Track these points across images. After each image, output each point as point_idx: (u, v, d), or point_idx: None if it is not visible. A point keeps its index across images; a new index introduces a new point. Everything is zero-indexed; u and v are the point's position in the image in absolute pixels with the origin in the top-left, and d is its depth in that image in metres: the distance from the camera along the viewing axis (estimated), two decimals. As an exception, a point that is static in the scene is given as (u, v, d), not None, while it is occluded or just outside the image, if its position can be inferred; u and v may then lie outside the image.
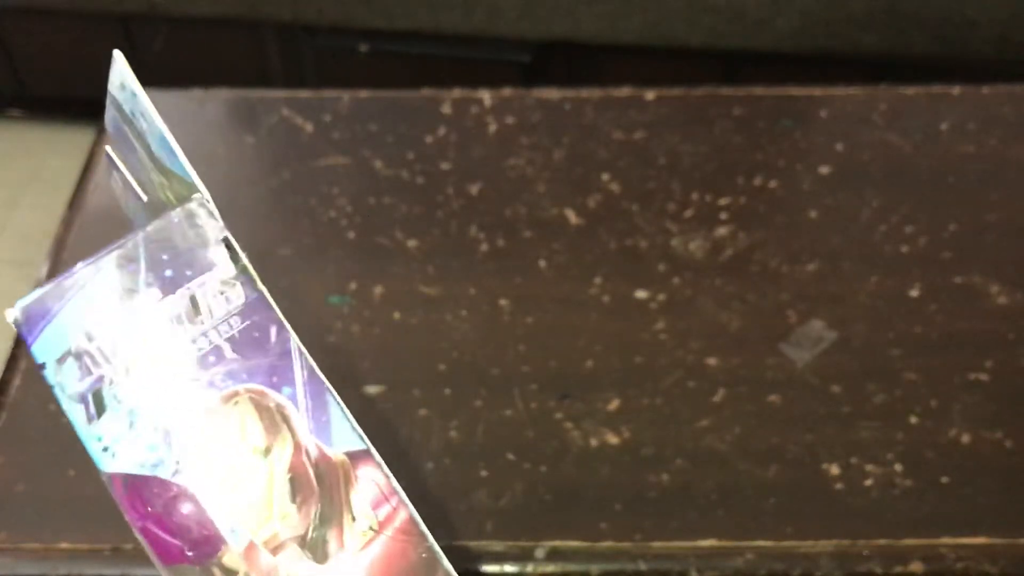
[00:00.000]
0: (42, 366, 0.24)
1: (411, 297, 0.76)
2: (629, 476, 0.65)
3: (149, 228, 0.25)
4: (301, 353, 0.25)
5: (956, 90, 0.90)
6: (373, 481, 0.25)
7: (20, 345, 0.73)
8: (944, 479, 0.65)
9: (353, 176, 0.85)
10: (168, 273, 0.25)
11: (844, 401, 0.69)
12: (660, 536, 0.63)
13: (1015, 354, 0.71)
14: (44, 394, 0.71)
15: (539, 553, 0.62)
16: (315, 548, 0.24)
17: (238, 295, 0.25)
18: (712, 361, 0.71)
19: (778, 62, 1.44)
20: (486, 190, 0.83)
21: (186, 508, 0.24)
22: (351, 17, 1.43)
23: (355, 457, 0.25)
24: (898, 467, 0.66)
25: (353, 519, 0.25)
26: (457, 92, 0.91)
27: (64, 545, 0.63)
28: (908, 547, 0.62)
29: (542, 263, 0.78)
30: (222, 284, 0.25)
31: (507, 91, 0.91)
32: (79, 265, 0.25)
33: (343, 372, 0.72)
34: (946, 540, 0.62)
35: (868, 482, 0.65)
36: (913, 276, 0.76)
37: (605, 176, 0.84)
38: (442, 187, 0.84)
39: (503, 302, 0.75)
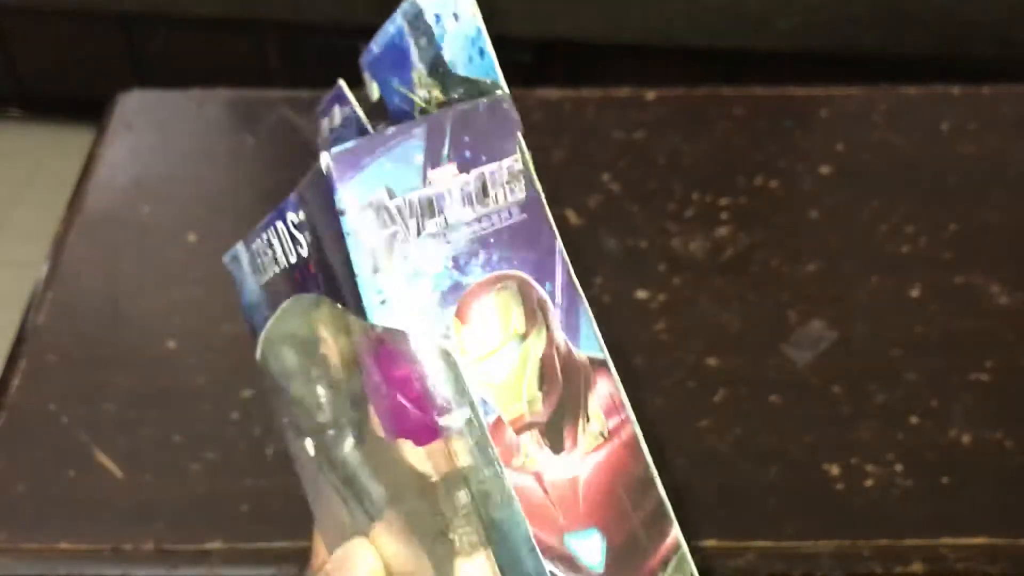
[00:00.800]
0: (341, 212, 0.25)
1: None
2: (629, 476, 0.65)
3: (458, 108, 0.27)
4: (563, 258, 0.27)
5: (956, 90, 0.90)
6: (607, 391, 0.27)
7: (20, 345, 0.73)
8: (944, 479, 0.65)
9: (353, 176, 0.85)
10: (467, 153, 0.26)
11: (844, 401, 0.69)
12: (660, 536, 0.62)
13: (1015, 354, 0.71)
14: (44, 394, 0.71)
15: (539, 553, 0.62)
16: (552, 438, 0.26)
17: (521, 189, 0.27)
18: (712, 361, 0.71)
19: (779, 62, 1.44)
20: (486, 190, 0.83)
21: (436, 373, 0.25)
22: (351, 17, 1.43)
23: (595, 364, 0.27)
24: (898, 467, 0.66)
25: (588, 421, 0.26)
26: (457, 92, 0.91)
27: (64, 545, 0.63)
28: (908, 547, 0.62)
29: (542, 263, 0.78)
30: (510, 175, 0.27)
31: (507, 91, 0.91)
32: (391, 129, 0.26)
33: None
34: (946, 540, 0.62)
35: (868, 482, 0.65)
36: (913, 276, 0.76)
37: (605, 176, 0.84)
38: (442, 187, 0.84)
39: (503, 302, 0.75)
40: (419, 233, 0.26)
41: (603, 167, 0.85)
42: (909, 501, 0.64)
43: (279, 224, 0.29)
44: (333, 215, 0.25)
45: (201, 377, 0.70)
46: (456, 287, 0.26)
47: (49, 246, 0.80)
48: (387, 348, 0.26)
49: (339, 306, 0.26)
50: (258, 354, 0.32)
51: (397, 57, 0.30)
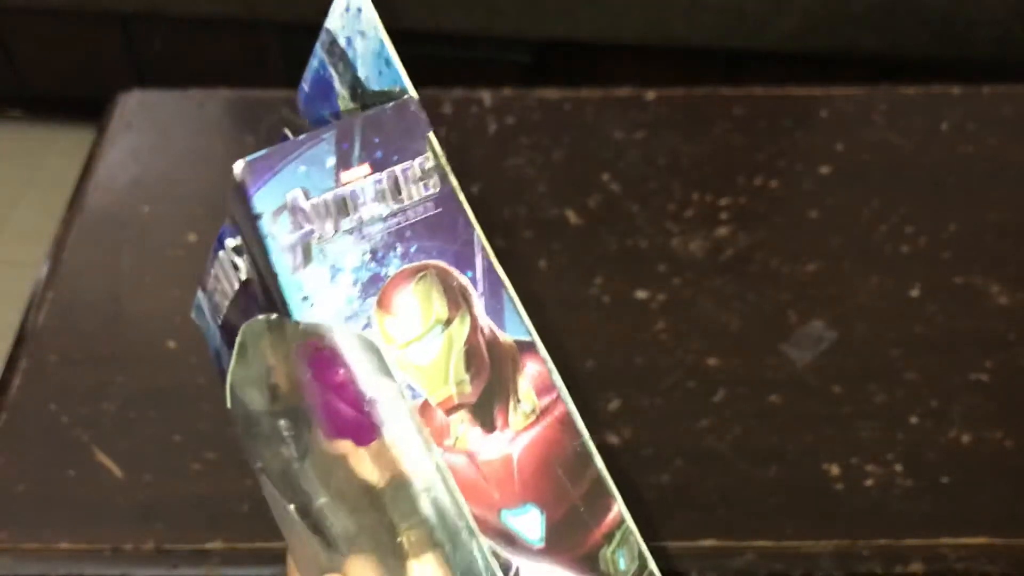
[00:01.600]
0: (258, 216, 0.27)
1: (411, 297, 0.76)
2: (629, 476, 0.65)
3: (367, 114, 0.28)
4: (482, 246, 0.29)
5: (956, 90, 0.90)
6: (537, 371, 0.28)
7: (21, 345, 0.73)
8: (944, 479, 0.65)
9: (353, 176, 0.85)
10: (378, 154, 0.28)
11: (844, 401, 0.69)
12: (660, 536, 0.63)
13: (1015, 354, 0.71)
14: (45, 394, 0.71)
15: (539, 553, 0.62)
16: (483, 418, 0.27)
17: (435, 184, 0.28)
18: (712, 361, 0.71)
19: (778, 62, 1.44)
20: (486, 190, 0.83)
21: (362, 365, 0.26)
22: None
23: (523, 346, 0.28)
24: (898, 467, 0.66)
25: (518, 401, 0.27)
26: (457, 92, 0.91)
27: (64, 545, 0.63)
28: (908, 547, 0.62)
29: (542, 263, 0.78)
30: (422, 172, 0.28)
31: (507, 91, 0.91)
32: (302, 136, 0.28)
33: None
34: (946, 540, 0.62)
35: (868, 482, 0.65)
36: (913, 276, 0.76)
37: (605, 176, 0.84)
38: (442, 187, 0.84)
39: (503, 302, 0.75)
40: (336, 231, 0.27)
41: (603, 167, 0.85)
42: (909, 501, 0.64)
43: (220, 254, 0.29)
44: (253, 221, 0.26)
45: (202, 377, 0.70)
46: (375, 279, 0.27)
47: (49, 246, 0.80)
48: (319, 351, 0.27)
49: (274, 316, 0.27)
50: (228, 402, 0.32)
51: (324, 88, 0.31)
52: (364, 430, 0.27)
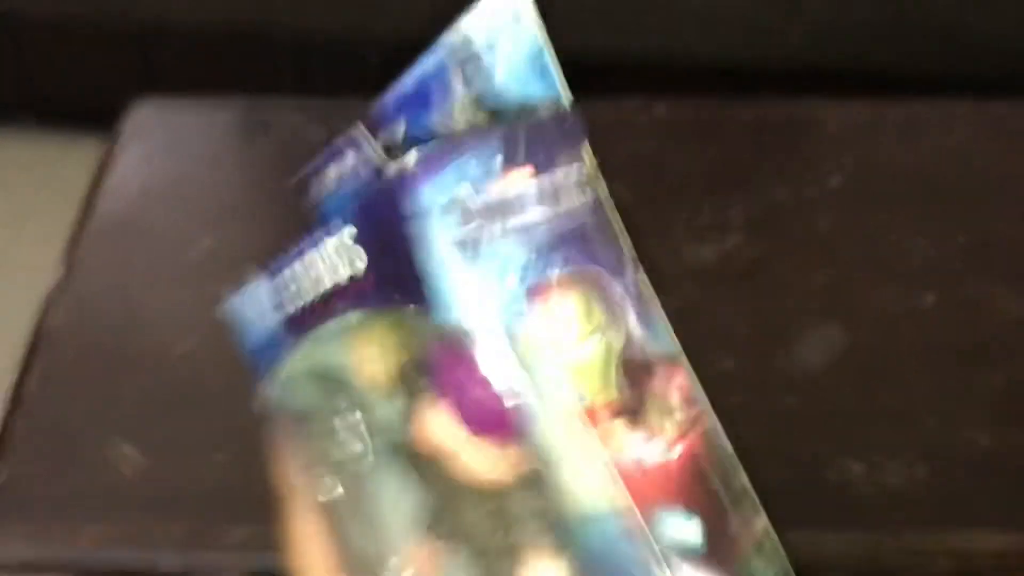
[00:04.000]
0: (426, 211, 0.26)
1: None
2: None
3: (529, 120, 0.28)
4: (632, 257, 0.29)
5: (965, 104, 0.91)
6: (683, 383, 0.28)
7: (36, 347, 0.73)
8: (954, 484, 0.65)
9: (365, 184, 0.85)
10: (541, 158, 0.28)
11: (856, 408, 0.69)
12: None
13: (1024, 365, 0.71)
14: (61, 395, 0.71)
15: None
16: (642, 425, 0.27)
17: (589, 193, 0.28)
18: (723, 367, 0.71)
19: (788, 76, 1.44)
20: (497, 199, 0.84)
21: (515, 365, 0.26)
22: (361, 27, 1.44)
23: (671, 358, 0.28)
24: (911, 472, 0.66)
25: (670, 411, 0.28)
26: (469, 102, 0.92)
27: (84, 543, 0.63)
28: (915, 550, 0.62)
29: (553, 271, 0.78)
30: (579, 180, 0.28)
31: (518, 101, 0.92)
32: (466, 135, 0.28)
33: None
34: (955, 543, 0.62)
35: (881, 487, 0.65)
36: (924, 286, 0.76)
37: (616, 186, 0.84)
38: (453, 195, 0.84)
39: (514, 309, 0.76)
40: (502, 230, 0.26)
41: (614, 177, 0.85)
42: (917, 505, 0.64)
43: (328, 242, 0.29)
44: (411, 216, 0.26)
45: (216, 377, 0.70)
46: (539, 282, 0.26)
47: (61, 252, 0.80)
48: (464, 350, 0.26)
49: (407, 314, 0.27)
50: (269, 394, 0.32)
51: (437, 93, 0.30)
52: (507, 428, 0.26)
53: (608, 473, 0.26)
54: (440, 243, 0.26)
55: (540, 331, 0.26)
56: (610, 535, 0.26)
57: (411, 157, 0.26)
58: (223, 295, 0.34)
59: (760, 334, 0.73)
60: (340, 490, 0.31)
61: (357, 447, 0.30)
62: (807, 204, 0.83)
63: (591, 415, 0.26)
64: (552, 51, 0.29)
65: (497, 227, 0.26)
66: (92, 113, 1.65)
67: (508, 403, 0.26)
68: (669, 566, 0.26)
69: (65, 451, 0.67)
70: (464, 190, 0.26)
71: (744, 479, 0.29)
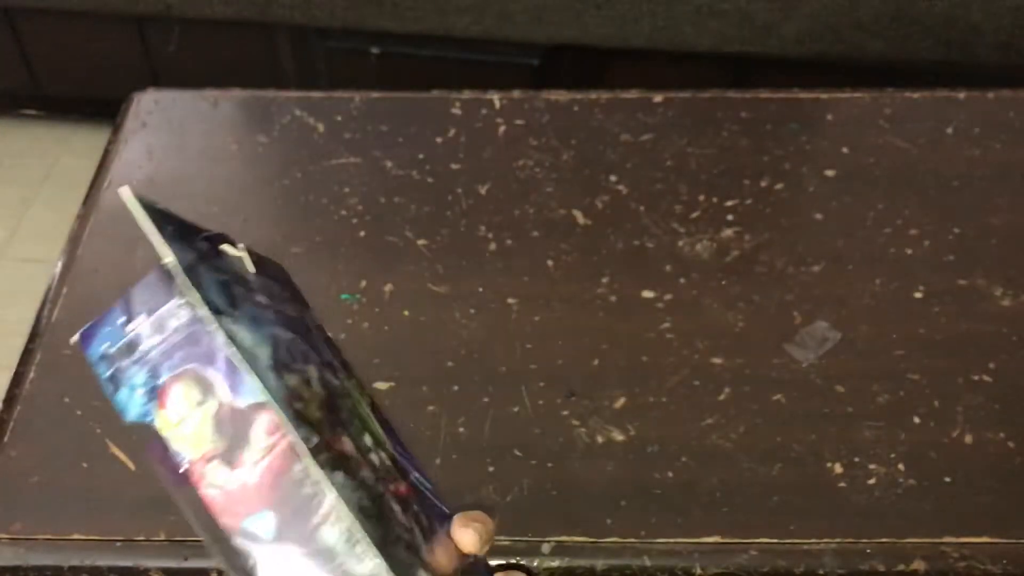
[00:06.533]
0: (91, 365, 0.40)
1: (420, 295, 0.77)
2: (634, 473, 0.66)
3: (138, 283, 0.40)
4: (223, 339, 0.39)
5: (961, 95, 0.91)
6: (268, 419, 0.38)
7: (36, 339, 0.74)
8: (947, 479, 0.66)
9: (364, 176, 0.86)
10: (149, 304, 0.40)
11: (848, 401, 0.70)
12: (664, 532, 0.63)
13: (1018, 356, 0.72)
14: (58, 388, 0.72)
15: (545, 548, 0.63)
16: (229, 460, 0.38)
17: (187, 315, 0.39)
18: (717, 360, 0.72)
19: (785, 67, 1.44)
20: (495, 190, 0.84)
21: (163, 447, 0.39)
22: (363, 20, 1.44)
23: (255, 406, 0.39)
24: (901, 467, 0.66)
25: (252, 443, 0.38)
26: (467, 93, 0.92)
27: (77, 536, 0.64)
28: (910, 546, 0.63)
29: (550, 263, 0.79)
30: (177, 309, 0.39)
31: (516, 93, 0.92)
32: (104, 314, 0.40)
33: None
34: (948, 539, 0.63)
35: (871, 481, 0.66)
36: (917, 278, 0.77)
37: (613, 177, 0.85)
38: (452, 187, 0.85)
39: (511, 301, 0.76)
40: (130, 363, 0.39)
41: (611, 168, 0.86)
42: (911, 500, 0.65)
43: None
44: (92, 366, 0.40)
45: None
46: (155, 387, 0.39)
47: (64, 243, 0.81)
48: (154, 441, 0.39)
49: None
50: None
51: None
52: (182, 479, 0.39)
53: (194, 503, 0.39)
54: (102, 383, 0.39)
55: (159, 420, 0.39)
56: (219, 541, 0.39)
57: (75, 337, 0.39)
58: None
59: (752, 327, 0.74)
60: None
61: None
62: (802, 196, 0.84)
63: (193, 466, 0.38)
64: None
65: (126, 362, 0.39)
66: (95, 103, 1.66)
67: (173, 472, 0.39)
68: (249, 554, 0.38)
69: (57, 450, 0.68)
70: (103, 347, 0.39)
71: (319, 474, 0.38)
